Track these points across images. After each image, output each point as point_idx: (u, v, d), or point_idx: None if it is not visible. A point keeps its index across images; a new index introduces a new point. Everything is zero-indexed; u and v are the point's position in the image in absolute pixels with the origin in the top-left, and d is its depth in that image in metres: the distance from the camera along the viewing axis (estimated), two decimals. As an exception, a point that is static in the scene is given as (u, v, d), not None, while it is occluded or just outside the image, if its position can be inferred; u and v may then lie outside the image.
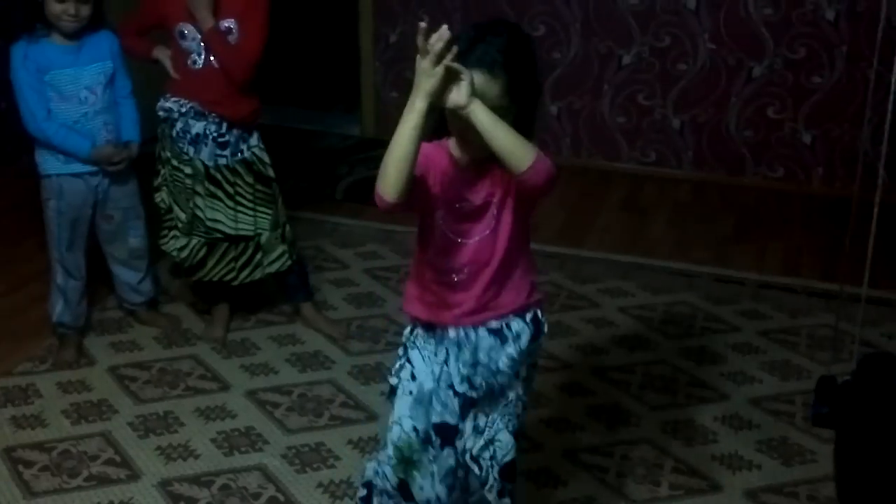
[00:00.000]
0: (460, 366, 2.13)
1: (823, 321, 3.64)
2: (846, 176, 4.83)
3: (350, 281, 3.98)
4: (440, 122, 2.01)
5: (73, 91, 3.17)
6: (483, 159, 1.98)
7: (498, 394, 2.18)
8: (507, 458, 2.21)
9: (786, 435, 3.03)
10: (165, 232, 3.45)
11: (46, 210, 3.30)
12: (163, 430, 3.01)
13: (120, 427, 3.03)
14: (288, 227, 3.49)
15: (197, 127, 3.27)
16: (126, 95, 3.31)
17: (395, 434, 2.19)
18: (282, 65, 4.76)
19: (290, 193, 3.76)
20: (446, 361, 2.14)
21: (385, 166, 1.88)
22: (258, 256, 3.42)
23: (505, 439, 2.21)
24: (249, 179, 3.36)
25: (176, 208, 3.38)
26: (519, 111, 1.97)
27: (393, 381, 2.22)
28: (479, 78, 1.89)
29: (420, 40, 1.81)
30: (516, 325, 2.13)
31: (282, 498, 2.73)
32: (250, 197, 3.37)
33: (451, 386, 2.14)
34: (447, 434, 2.17)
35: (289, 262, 3.48)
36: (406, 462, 2.19)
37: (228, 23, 3.18)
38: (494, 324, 2.12)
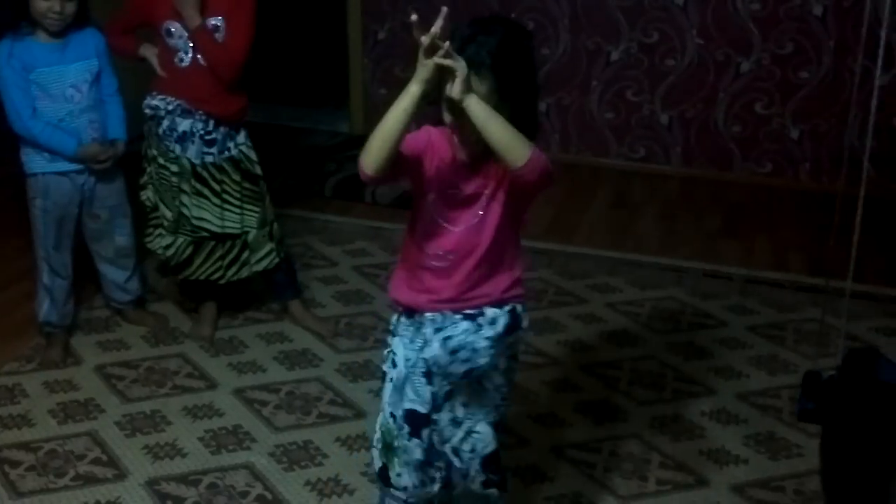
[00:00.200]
0: (440, 343, 2.13)
1: (810, 316, 3.65)
2: (833, 171, 4.84)
3: (338, 278, 3.98)
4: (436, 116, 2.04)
5: (59, 89, 3.16)
6: (480, 151, 2.01)
7: (473, 383, 2.19)
8: (488, 450, 2.23)
9: (773, 429, 3.04)
10: (151, 230, 3.44)
11: (32, 209, 3.29)
12: (150, 429, 3.01)
13: (107, 426, 3.02)
14: (275, 225, 3.49)
15: (184, 125, 3.26)
16: (112, 93, 3.30)
17: (380, 420, 2.24)
18: (270, 62, 4.75)
19: (278, 191, 3.76)
20: (422, 348, 2.16)
21: (370, 141, 1.95)
22: (245, 255, 3.42)
23: (484, 430, 2.22)
24: (236, 177, 3.35)
25: (162, 206, 3.37)
26: (513, 110, 1.97)
27: (384, 367, 2.26)
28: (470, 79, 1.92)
29: (415, 32, 1.84)
30: (491, 312, 2.15)
31: (269, 496, 2.73)
32: (237, 195, 3.36)
33: (427, 374, 2.16)
34: (416, 422, 2.19)
35: (276, 260, 3.47)
36: (388, 448, 2.23)
37: (215, 21, 3.18)
38: (471, 311, 2.15)
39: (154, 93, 3.29)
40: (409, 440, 2.19)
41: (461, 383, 2.18)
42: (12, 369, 3.31)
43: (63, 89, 3.17)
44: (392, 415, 2.20)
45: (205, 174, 3.30)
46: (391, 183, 2.07)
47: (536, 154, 1.91)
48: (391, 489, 2.25)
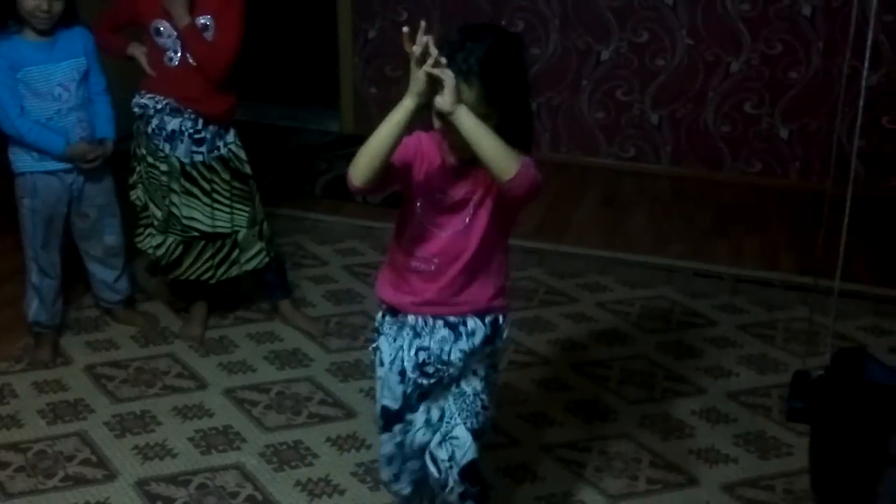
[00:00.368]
0: (414, 352, 2.17)
1: (800, 315, 3.66)
2: (823, 170, 4.86)
3: (329, 278, 3.97)
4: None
5: (47, 88, 3.15)
6: (469, 158, 2.00)
7: (447, 384, 2.20)
8: (466, 459, 2.20)
9: (763, 428, 3.05)
10: (141, 230, 3.43)
11: (21, 208, 3.27)
12: (140, 430, 3.00)
13: (96, 427, 3.01)
14: (265, 224, 3.48)
15: (173, 124, 3.25)
16: (100, 92, 3.28)
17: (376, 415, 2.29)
18: (260, 61, 4.75)
19: (268, 190, 3.75)
20: (401, 347, 2.18)
21: (360, 154, 1.94)
22: (235, 254, 3.41)
23: (462, 436, 2.20)
24: (226, 176, 3.34)
25: (152, 206, 3.36)
26: (502, 116, 1.98)
27: (375, 367, 2.28)
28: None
29: (405, 44, 1.83)
30: (472, 323, 2.16)
31: (259, 497, 2.72)
32: (227, 194, 3.35)
33: (402, 372, 2.18)
34: (388, 418, 2.22)
35: (266, 260, 3.47)
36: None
37: (204, 19, 3.17)
38: (452, 319, 2.15)
39: (143, 91, 3.28)
40: (380, 433, 2.24)
41: (432, 387, 2.20)
42: (1, 369, 3.30)
43: (51, 88, 3.15)
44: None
45: (194, 173, 3.30)
46: (379, 192, 2.07)
47: (525, 168, 1.90)
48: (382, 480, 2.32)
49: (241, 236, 3.39)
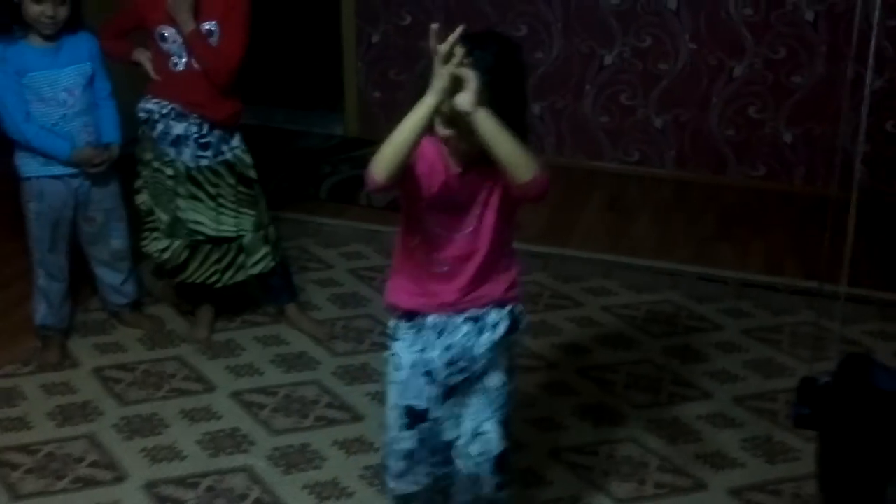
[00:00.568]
0: (441, 351, 2.17)
1: (806, 319, 3.67)
2: (827, 174, 4.87)
3: (334, 281, 3.98)
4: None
5: (52, 93, 3.15)
6: (471, 160, 2.02)
7: (475, 380, 2.21)
8: (498, 451, 2.25)
9: (770, 433, 3.05)
10: (147, 234, 3.44)
11: (27, 212, 3.28)
12: (148, 432, 3.00)
13: (105, 429, 3.02)
14: (271, 228, 3.49)
15: (178, 128, 3.26)
16: (106, 97, 3.29)
17: (391, 419, 2.26)
18: (264, 65, 4.75)
19: (273, 194, 3.76)
20: (423, 350, 2.19)
21: (383, 149, 1.93)
22: (241, 258, 3.42)
23: (492, 430, 2.24)
24: (231, 181, 3.35)
25: (158, 210, 3.36)
26: (507, 121, 1.97)
27: (388, 373, 2.27)
28: None
29: (431, 41, 1.84)
30: (494, 315, 2.19)
31: (268, 499, 2.73)
32: (232, 198, 3.36)
33: (428, 373, 2.19)
34: (413, 417, 2.23)
35: (272, 264, 3.47)
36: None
37: (209, 25, 3.17)
38: (474, 313, 2.17)
39: (148, 96, 3.28)
40: (401, 431, 2.24)
41: (460, 385, 2.21)
42: (9, 372, 3.31)
43: (56, 93, 3.16)
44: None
45: (200, 178, 3.30)
46: (393, 192, 2.07)
47: (542, 171, 1.93)
48: (388, 478, 2.30)
49: (246, 240, 3.40)
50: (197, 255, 3.38)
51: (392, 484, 2.33)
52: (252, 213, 3.40)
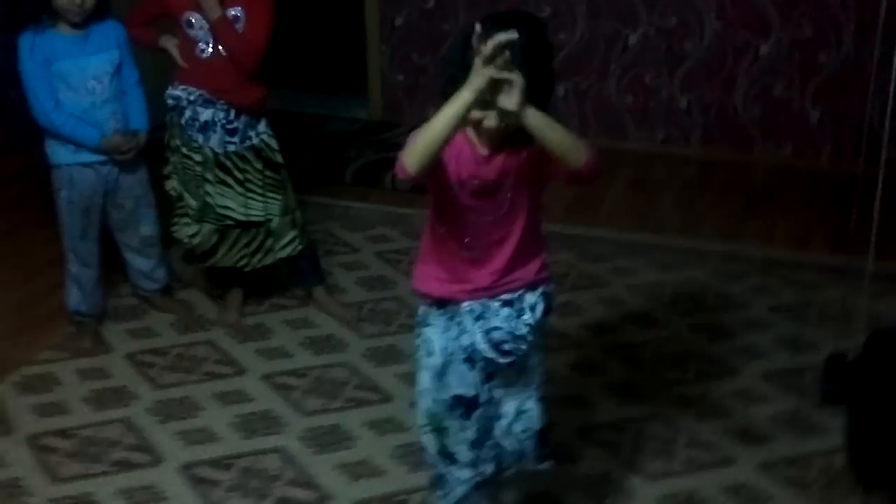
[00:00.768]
0: (484, 334, 2.17)
1: (833, 296, 3.65)
2: (854, 152, 4.83)
3: (361, 264, 4.01)
4: None
5: (81, 81, 3.19)
6: (497, 143, 2.02)
7: (520, 363, 2.23)
8: (540, 425, 2.31)
9: (798, 408, 3.05)
10: (177, 219, 3.48)
11: (58, 200, 3.33)
12: (182, 415, 3.05)
13: (140, 413, 3.07)
14: (298, 212, 3.52)
15: (205, 114, 3.29)
16: (133, 84, 3.32)
17: (422, 406, 2.27)
18: (288, 49, 4.77)
19: (299, 178, 3.78)
20: (459, 336, 2.19)
21: (416, 140, 1.93)
22: (269, 242, 3.45)
23: (533, 407, 2.29)
24: (258, 166, 3.38)
25: (187, 196, 3.40)
26: (536, 101, 1.96)
27: (417, 357, 2.27)
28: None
29: (475, 41, 1.83)
30: (530, 297, 2.19)
31: (301, 479, 2.77)
32: (260, 183, 3.39)
33: (469, 359, 2.19)
34: (466, 406, 2.22)
35: (300, 247, 3.51)
36: (438, 430, 2.26)
37: (235, 11, 3.20)
38: (508, 297, 2.18)
39: (176, 83, 3.32)
40: (462, 420, 2.23)
41: (503, 367, 2.22)
42: (45, 358, 3.36)
43: (85, 81, 3.19)
44: (436, 401, 2.23)
45: (227, 163, 3.34)
46: (420, 184, 2.05)
47: (593, 153, 1.94)
48: (455, 467, 2.28)
49: (274, 224, 3.43)
50: (226, 240, 3.42)
51: (457, 474, 2.28)
52: (279, 197, 3.43)
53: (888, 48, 3.59)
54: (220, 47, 3.23)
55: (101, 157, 3.26)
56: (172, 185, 3.44)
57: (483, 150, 2.06)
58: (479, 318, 2.18)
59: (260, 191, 3.40)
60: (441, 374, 2.22)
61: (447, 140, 1.91)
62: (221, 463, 2.83)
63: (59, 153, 3.26)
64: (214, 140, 3.31)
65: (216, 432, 2.97)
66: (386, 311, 3.64)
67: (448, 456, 2.28)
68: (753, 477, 2.76)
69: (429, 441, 2.29)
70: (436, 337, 2.22)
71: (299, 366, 3.32)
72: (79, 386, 3.21)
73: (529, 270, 2.19)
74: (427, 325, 2.24)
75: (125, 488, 2.74)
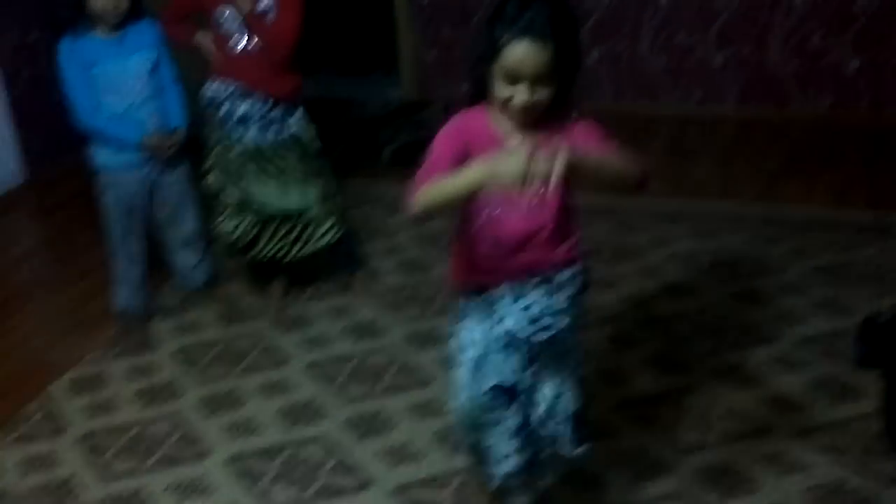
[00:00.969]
0: (521, 310, 2.18)
1: (870, 255, 3.61)
2: (894, 103, 4.74)
3: (399, 247, 4.05)
4: (479, 89, 2.04)
5: (121, 82, 3.23)
6: (530, 120, 2.02)
7: (559, 344, 2.23)
8: (576, 407, 2.31)
9: (835, 373, 3.04)
10: (219, 214, 3.54)
11: (102, 202, 3.40)
12: (228, 408, 3.13)
13: (188, 407, 3.16)
14: (337, 199, 3.55)
15: (243, 107, 3.35)
16: (171, 81, 3.35)
17: (460, 401, 2.29)
18: (319, 33, 4.80)
19: (335, 163, 3.83)
20: (500, 322, 2.19)
21: (427, 192, 1.97)
22: (308, 231, 3.50)
23: (571, 389, 2.30)
24: (296, 155, 3.43)
25: (227, 189, 3.47)
26: (564, 76, 1.98)
27: (458, 352, 2.29)
28: (530, 46, 1.91)
29: (531, 144, 1.81)
30: (565, 274, 2.20)
31: (345, 465, 2.83)
32: (298, 172, 3.44)
33: (507, 345, 2.19)
34: (505, 396, 2.24)
35: (338, 235, 3.55)
36: (479, 427, 2.29)
37: (266, 2, 3.24)
38: (545, 275, 2.19)
39: (213, 78, 3.37)
40: (503, 410, 2.24)
41: (542, 349, 2.22)
42: (95, 357, 3.47)
43: (124, 82, 3.23)
44: (473, 397, 2.24)
45: (266, 154, 3.39)
46: None
47: (642, 169, 1.97)
48: (493, 461, 2.31)
49: (313, 213, 3.48)
50: (266, 231, 3.48)
51: (504, 467, 2.31)
52: (317, 185, 3.48)
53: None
54: (253, 40, 3.27)
55: (143, 159, 3.30)
56: (213, 179, 3.50)
57: (510, 137, 2.05)
58: (517, 297, 2.19)
59: (299, 181, 3.44)
60: (478, 366, 2.23)
61: (452, 206, 1.96)
62: (267, 453, 2.91)
63: (101, 157, 3.32)
64: (252, 132, 3.37)
65: (261, 423, 3.05)
66: (425, 294, 3.67)
67: (484, 451, 2.32)
68: (790, 445, 2.76)
69: (465, 437, 2.33)
70: (474, 330, 2.23)
71: (341, 353, 3.38)
72: (127, 384, 3.31)
73: (563, 251, 2.18)
74: (465, 317, 2.26)
75: (174, 483, 2.83)
